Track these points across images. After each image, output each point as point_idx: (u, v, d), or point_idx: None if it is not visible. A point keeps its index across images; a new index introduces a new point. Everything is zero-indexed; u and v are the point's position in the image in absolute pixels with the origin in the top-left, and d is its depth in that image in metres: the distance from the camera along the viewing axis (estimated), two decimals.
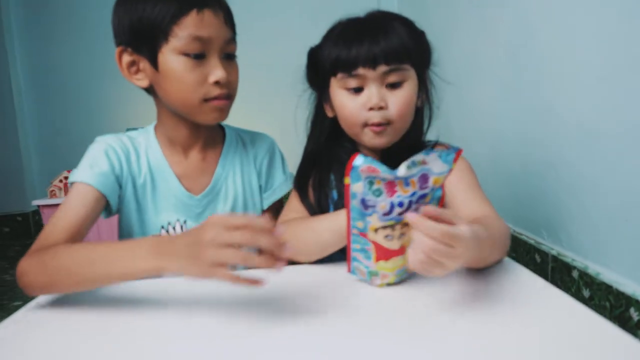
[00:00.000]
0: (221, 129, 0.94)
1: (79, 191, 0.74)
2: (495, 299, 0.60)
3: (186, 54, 0.72)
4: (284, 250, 0.52)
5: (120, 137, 0.83)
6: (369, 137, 0.77)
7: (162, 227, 0.83)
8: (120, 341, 0.54)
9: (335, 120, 0.82)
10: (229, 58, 0.78)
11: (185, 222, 0.84)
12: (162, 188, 0.82)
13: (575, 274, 1.12)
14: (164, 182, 0.82)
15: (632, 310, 0.95)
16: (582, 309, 0.56)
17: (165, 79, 0.74)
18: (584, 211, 1.13)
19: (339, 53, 0.73)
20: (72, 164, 0.88)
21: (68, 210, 0.72)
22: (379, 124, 0.74)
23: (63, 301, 0.66)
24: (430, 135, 0.88)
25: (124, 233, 0.84)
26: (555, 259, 1.20)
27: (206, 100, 0.75)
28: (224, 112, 0.79)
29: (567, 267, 1.14)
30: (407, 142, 0.80)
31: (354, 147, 0.83)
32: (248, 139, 0.94)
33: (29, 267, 0.64)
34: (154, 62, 0.74)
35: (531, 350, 0.47)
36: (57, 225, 0.70)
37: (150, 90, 0.80)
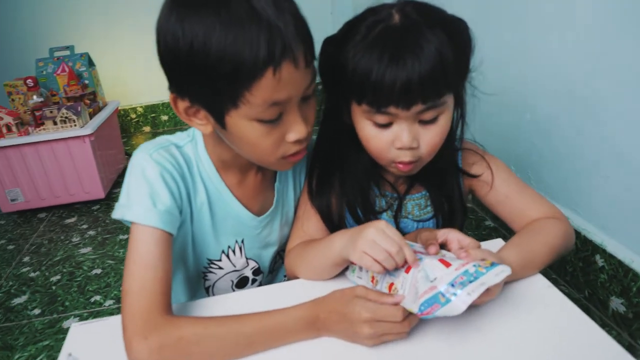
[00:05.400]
0: None
1: (151, 239, 0.63)
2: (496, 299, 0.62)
3: (260, 120, 0.59)
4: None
5: (170, 150, 0.69)
6: (395, 170, 0.69)
7: (223, 252, 0.78)
8: None
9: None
10: (306, 99, 0.62)
11: (242, 241, 0.78)
12: (221, 212, 0.74)
13: None
14: (223, 206, 0.74)
15: (597, 256, 1.08)
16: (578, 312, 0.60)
17: (235, 138, 0.62)
18: (558, 156, 1.19)
19: (366, 80, 0.60)
20: None
21: (152, 267, 0.62)
22: (408, 162, 0.66)
23: None
24: None
25: (173, 263, 0.72)
26: None
27: (284, 157, 0.65)
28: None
29: None
30: (436, 161, 0.70)
31: (374, 166, 0.73)
32: None
33: None
34: (219, 121, 0.61)
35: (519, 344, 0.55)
36: (147, 288, 0.60)
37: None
